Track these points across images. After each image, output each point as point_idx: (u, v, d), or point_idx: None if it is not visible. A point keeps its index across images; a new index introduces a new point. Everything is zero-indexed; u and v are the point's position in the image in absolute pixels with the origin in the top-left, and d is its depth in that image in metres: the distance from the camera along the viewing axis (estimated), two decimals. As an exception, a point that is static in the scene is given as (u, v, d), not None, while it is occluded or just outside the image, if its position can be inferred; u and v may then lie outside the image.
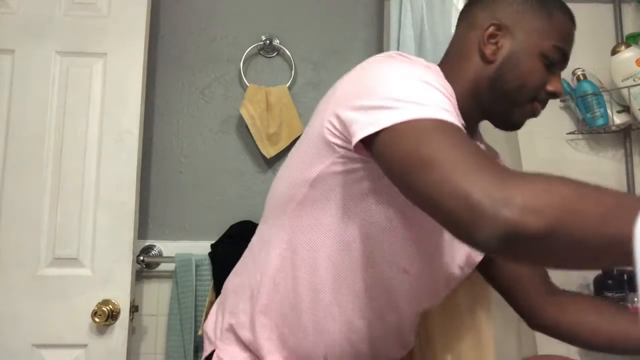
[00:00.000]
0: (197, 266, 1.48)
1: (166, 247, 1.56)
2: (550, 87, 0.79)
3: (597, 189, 0.50)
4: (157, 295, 1.54)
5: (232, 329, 0.84)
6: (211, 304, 1.43)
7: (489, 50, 0.78)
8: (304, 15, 1.68)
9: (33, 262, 1.34)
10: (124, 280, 1.35)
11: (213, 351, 0.86)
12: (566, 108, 1.66)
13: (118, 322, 1.33)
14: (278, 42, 1.65)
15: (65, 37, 1.42)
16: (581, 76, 1.56)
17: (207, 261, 1.48)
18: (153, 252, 1.55)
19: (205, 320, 1.42)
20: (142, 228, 1.55)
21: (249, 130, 1.57)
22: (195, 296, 1.46)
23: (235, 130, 1.63)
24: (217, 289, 1.43)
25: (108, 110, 1.41)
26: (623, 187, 1.62)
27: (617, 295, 1.40)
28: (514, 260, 0.57)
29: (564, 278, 1.54)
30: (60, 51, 1.41)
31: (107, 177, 1.38)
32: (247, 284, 0.84)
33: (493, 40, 0.79)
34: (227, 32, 1.66)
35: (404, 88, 0.65)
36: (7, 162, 1.37)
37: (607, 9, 1.67)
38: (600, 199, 0.49)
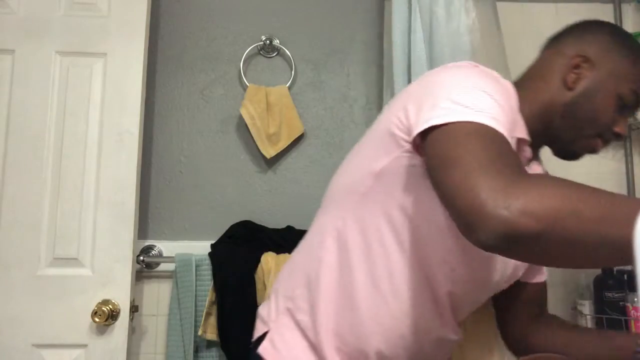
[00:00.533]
0: (197, 266, 1.47)
1: (166, 247, 1.56)
2: (617, 128, 0.83)
3: (596, 192, 0.53)
4: (157, 296, 1.54)
5: (289, 312, 0.85)
6: (211, 303, 1.43)
7: (570, 78, 0.82)
8: (304, 15, 1.67)
9: (33, 262, 1.34)
10: (124, 280, 1.35)
11: (266, 332, 0.86)
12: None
13: (118, 322, 1.33)
14: (278, 42, 1.65)
15: (65, 37, 1.42)
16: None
17: (207, 261, 1.48)
18: (153, 252, 1.55)
19: (204, 320, 1.42)
20: (142, 228, 1.55)
21: (249, 130, 1.57)
22: (195, 296, 1.46)
23: (235, 130, 1.63)
24: (217, 289, 1.43)
25: (108, 110, 1.41)
26: (623, 187, 1.62)
27: (617, 295, 1.39)
28: (513, 258, 0.60)
29: (564, 278, 1.54)
30: (60, 51, 1.41)
31: (107, 177, 1.38)
32: (304, 270, 0.85)
33: (576, 70, 0.82)
34: (227, 32, 1.66)
35: (461, 92, 0.69)
36: (7, 162, 1.37)
37: (607, 9, 1.67)
38: (598, 202, 0.52)
